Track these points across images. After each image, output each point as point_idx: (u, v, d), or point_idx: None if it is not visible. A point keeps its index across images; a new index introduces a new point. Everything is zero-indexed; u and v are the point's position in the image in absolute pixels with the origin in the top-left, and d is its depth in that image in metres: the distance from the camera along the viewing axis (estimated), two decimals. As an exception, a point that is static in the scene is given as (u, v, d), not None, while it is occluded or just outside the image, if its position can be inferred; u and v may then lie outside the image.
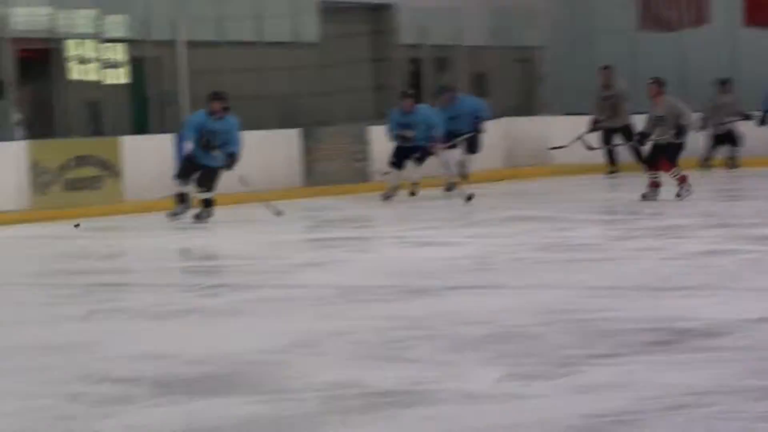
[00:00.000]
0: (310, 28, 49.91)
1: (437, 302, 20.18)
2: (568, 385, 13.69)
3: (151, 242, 33.02)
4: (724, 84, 47.41)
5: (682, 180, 31.06)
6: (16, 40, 40.31)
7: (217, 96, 35.31)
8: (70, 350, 17.33)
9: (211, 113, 34.24)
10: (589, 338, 16.56)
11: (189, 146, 35.33)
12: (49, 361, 16.37)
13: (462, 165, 46.19)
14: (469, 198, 40.82)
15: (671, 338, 16.21)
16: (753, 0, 59.06)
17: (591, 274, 23.98)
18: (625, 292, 21.39)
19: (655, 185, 28.97)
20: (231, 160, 34.77)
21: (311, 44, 49.37)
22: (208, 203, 34.92)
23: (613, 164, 45.61)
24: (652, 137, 28.50)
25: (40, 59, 40.44)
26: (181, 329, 19.25)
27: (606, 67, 35.30)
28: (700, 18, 59.41)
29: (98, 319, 20.36)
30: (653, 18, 59.54)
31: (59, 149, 38.36)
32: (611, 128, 42.69)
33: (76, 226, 32.08)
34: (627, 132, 39.52)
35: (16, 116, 38.89)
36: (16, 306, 22.10)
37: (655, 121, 25.49)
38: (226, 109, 34.58)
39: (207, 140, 34.37)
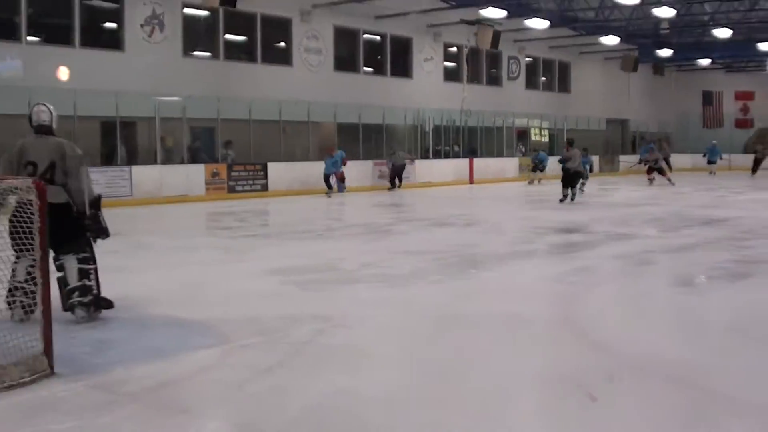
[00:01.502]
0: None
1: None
2: (678, 234, 13.91)
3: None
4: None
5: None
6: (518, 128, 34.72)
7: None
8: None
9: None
10: (684, 221, 15.84)
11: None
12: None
13: None
14: None
15: (708, 222, 15.39)
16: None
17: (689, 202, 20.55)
18: (696, 209, 19.03)
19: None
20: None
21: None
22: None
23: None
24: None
25: (523, 134, 35.22)
26: None
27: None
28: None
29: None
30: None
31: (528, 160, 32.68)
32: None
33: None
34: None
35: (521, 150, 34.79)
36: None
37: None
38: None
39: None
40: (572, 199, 21.27)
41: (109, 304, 7.33)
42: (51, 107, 7.34)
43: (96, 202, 7.22)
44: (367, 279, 9.57)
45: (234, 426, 4.70)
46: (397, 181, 27.14)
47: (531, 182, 30.66)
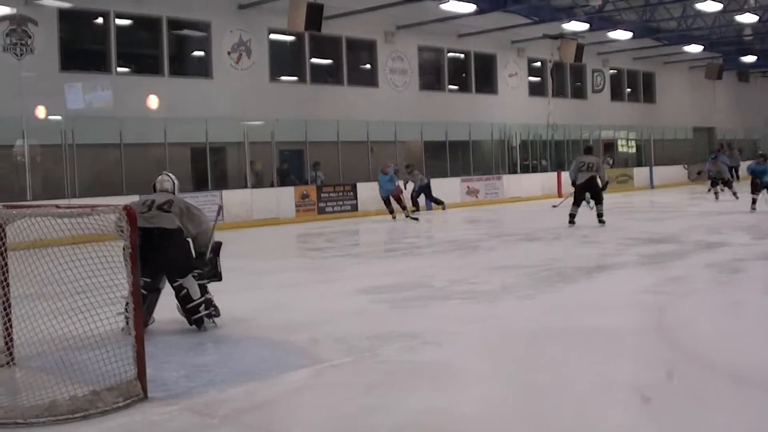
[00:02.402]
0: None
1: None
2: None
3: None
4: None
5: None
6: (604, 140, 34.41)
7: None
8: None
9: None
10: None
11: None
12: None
13: None
14: None
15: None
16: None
17: None
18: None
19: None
20: None
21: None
22: None
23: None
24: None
25: (610, 146, 34.76)
26: None
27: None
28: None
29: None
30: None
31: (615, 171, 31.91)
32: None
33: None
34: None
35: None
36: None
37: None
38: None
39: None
40: (600, 220, 17.14)
41: (218, 313, 7.84)
42: (173, 177, 8.22)
43: (216, 248, 7.95)
44: (456, 296, 9.45)
45: (327, 447, 4.66)
46: (427, 202, 24.14)
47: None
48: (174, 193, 7.97)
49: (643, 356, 6.41)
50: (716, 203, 23.00)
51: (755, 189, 19.32)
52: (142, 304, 7.19)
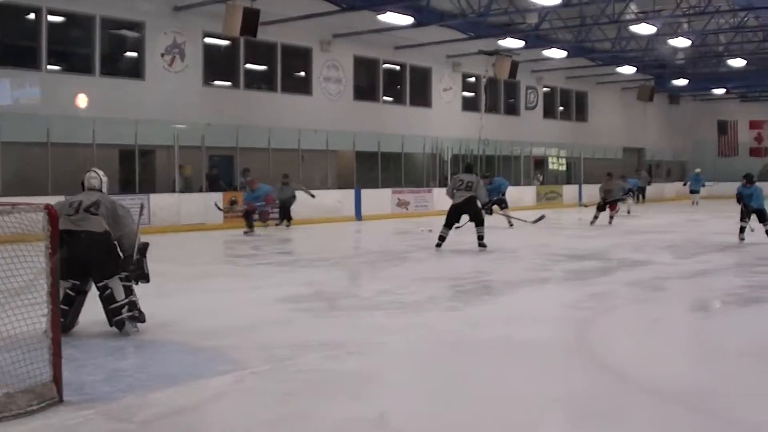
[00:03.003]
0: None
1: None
2: (693, 261, 13.56)
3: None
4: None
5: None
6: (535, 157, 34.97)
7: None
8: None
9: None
10: (699, 247, 15.23)
11: None
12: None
13: None
14: None
15: (723, 249, 14.14)
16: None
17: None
18: (712, 236, 18.20)
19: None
20: None
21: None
22: None
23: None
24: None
25: (541, 162, 35.54)
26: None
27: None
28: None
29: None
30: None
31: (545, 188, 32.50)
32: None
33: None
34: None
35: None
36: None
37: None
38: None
39: None
40: (480, 244, 15.69)
41: (143, 318, 7.75)
42: (101, 173, 8.15)
43: (143, 249, 7.85)
44: (382, 306, 9.47)
45: (244, 454, 4.65)
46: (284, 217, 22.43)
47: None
48: (102, 191, 7.90)
49: (564, 371, 6.46)
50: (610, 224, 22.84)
51: (745, 216, 17.32)
52: (70, 306, 7.34)
